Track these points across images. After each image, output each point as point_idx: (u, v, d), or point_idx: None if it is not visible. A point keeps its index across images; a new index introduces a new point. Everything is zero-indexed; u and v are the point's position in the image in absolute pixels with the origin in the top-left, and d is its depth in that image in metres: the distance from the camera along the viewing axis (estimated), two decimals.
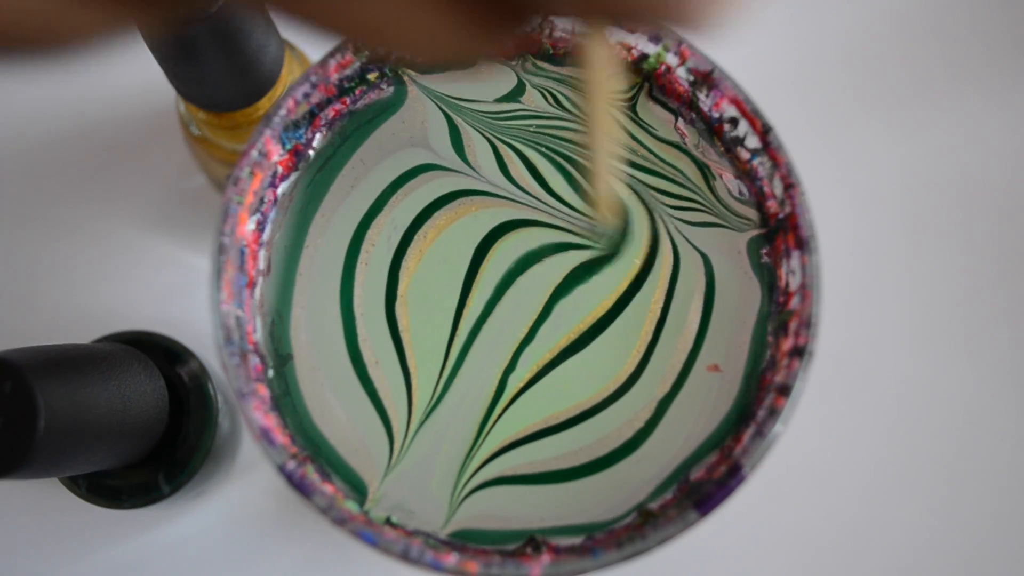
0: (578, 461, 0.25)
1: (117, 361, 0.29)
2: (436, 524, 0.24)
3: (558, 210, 0.26)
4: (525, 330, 0.25)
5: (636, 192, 0.26)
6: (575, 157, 0.26)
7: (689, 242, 0.26)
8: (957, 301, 0.40)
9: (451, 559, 0.22)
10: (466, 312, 0.25)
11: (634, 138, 0.26)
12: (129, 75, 0.40)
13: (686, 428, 0.25)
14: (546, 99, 0.27)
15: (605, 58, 0.18)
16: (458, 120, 0.26)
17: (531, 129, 0.26)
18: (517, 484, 0.24)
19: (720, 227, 0.26)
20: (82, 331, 0.37)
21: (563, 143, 0.26)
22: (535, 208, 0.26)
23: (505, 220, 0.26)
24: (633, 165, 0.26)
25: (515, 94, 0.27)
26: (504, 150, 0.26)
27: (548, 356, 0.25)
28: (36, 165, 0.40)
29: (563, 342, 0.25)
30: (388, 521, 0.24)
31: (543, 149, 0.26)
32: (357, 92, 0.26)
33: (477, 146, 0.26)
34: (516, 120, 0.27)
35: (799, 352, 0.24)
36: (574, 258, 0.26)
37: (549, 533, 0.24)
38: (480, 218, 0.26)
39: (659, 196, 0.26)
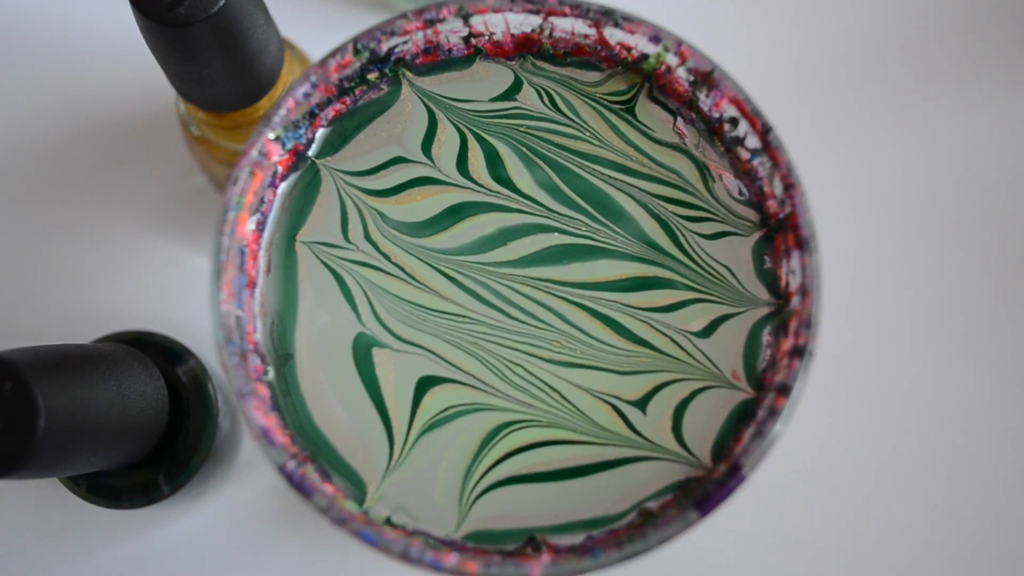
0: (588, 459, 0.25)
1: (117, 361, 0.29)
2: (448, 529, 0.24)
3: (499, 193, 0.26)
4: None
5: (643, 204, 0.26)
6: (557, 159, 0.26)
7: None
8: (957, 300, 0.40)
9: (451, 559, 0.22)
10: None
11: (630, 143, 0.26)
12: (129, 75, 0.40)
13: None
14: (542, 99, 0.27)
15: None
16: (440, 116, 0.27)
17: (520, 129, 0.26)
18: (528, 483, 0.24)
19: (730, 235, 0.26)
20: (82, 331, 0.37)
21: (548, 145, 0.26)
22: (476, 191, 0.26)
23: (450, 205, 0.26)
24: (630, 172, 0.26)
25: (511, 92, 0.27)
26: (472, 143, 0.26)
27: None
28: (36, 165, 0.40)
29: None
30: (388, 521, 0.24)
31: (523, 149, 0.26)
32: (357, 92, 0.26)
33: (447, 139, 0.26)
34: (507, 119, 0.27)
35: (799, 352, 0.24)
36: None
37: (551, 531, 0.24)
38: (424, 206, 0.26)
39: (666, 205, 0.26)
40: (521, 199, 0.26)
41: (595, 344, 0.25)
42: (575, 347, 0.25)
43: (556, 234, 0.26)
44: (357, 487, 0.24)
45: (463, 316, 0.25)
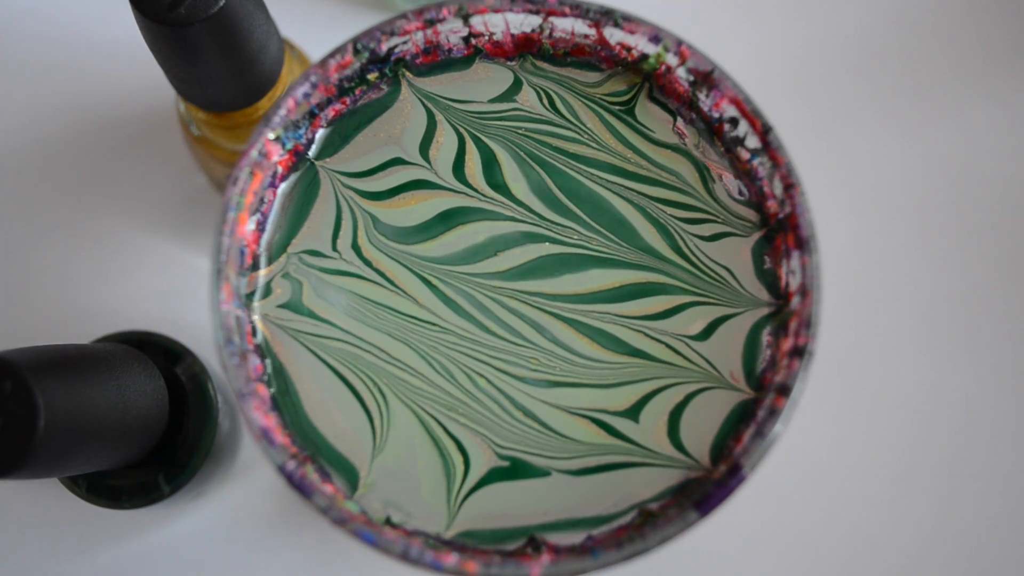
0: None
1: (117, 361, 0.29)
2: (439, 527, 0.24)
3: (493, 199, 0.26)
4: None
5: (640, 208, 0.26)
6: (554, 163, 0.26)
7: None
8: (957, 301, 0.40)
9: (451, 559, 0.22)
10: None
11: (629, 145, 0.26)
12: (129, 75, 0.40)
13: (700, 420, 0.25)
14: (541, 100, 0.27)
15: None
16: (439, 117, 0.26)
17: (519, 131, 0.26)
18: (517, 479, 0.24)
19: (730, 236, 0.26)
20: (82, 331, 0.37)
21: (545, 148, 0.26)
22: (470, 197, 0.26)
23: (443, 210, 0.26)
24: (628, 175, 0.26)
25: (511, 93, 0.27)
26: (470, 146, 0.26)
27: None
28: (36, 165, 0.40)
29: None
30: (388, 521, 0.24)
31: (520, 152, 0.26)
32: (357, 92, 0.26)
33: (445, 141, 0.26)
34: (505, 121, 0.26)
35: (799, 352, 0.24)
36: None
37: (550, 529, 0.24)
38: (417, 210, 0.26)
39: (665, 208, 0.26)
40: (514, 206, 0.26)
41: (578, 360, 0.25)
42: (555, 364, 0.25)
43: (547, 244, 0.26)
44: (348, 473, 0.24)
45: (433, 324, 0.25)
